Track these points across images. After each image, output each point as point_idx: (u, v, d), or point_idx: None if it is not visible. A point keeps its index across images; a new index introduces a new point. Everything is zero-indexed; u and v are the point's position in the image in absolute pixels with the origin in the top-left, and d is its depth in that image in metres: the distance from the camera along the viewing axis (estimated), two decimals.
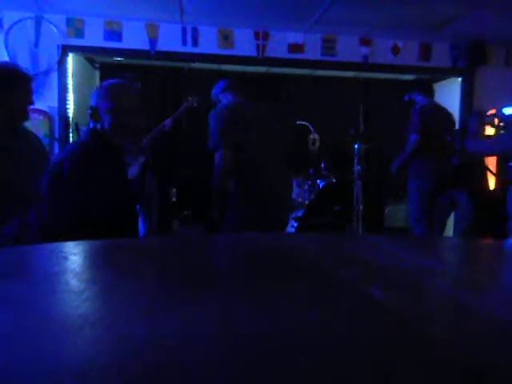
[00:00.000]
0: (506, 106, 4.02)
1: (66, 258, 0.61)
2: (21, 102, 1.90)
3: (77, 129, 4.02)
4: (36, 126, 3.71)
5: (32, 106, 2.02)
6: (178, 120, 3.79)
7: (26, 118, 1.97)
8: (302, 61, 4.42)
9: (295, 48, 4.38)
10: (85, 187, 1.47)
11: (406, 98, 3.42)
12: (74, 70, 4.23)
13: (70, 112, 4.17)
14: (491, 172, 3.82)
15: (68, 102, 4.14)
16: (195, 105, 3.69)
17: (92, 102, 1.63)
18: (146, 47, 4.13)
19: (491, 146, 2.41)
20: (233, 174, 2.29)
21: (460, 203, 3.48)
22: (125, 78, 3.39)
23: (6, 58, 3.85)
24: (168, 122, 3.51)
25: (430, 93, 3.46)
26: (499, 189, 3.57)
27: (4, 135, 1.86)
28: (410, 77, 5.17)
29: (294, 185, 3.85)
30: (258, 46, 4.31)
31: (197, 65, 4.91)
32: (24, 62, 3.74)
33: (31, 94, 1.94)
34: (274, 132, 2.53)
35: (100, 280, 0.52)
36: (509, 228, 2.73)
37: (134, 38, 4.10)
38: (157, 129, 3.45)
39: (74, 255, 0.63)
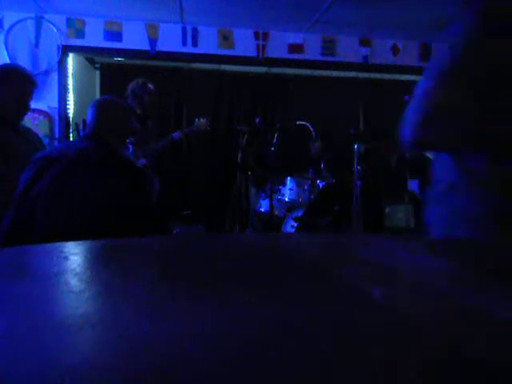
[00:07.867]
0: None
1: (65, 258, 0.61)
2: (14, 98, 1.92)
3: (77, 129, 4.02)
4: (36, 126, 3.71)
5: (32, 106, 2.03)
6: (188, 136, 3.79)
7: (24, 112, 1.99)
8: (302, 61, 4.43)
9: (295, 48, 4.38)
10: None
11: (406, 98, 3.41)
12: (74, 70, 4.23)
13: (70, 112, 4.17)
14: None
15: (68, 102, 4.14)
16: (208, 128, 3.67)
17: None
18: (146, 47, 4.13)
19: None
20: None
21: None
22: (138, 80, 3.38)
23: (6, 58, 3.85)
24: (176, 135, 3.53)
25: None
26: None
27: (3, 132, 1.87)
28: (409, 77, 5.18)
29: (294, 185, 3.85)
30: (258, 46, 4.31)
31: (197, 65, 4.92)
32: (24, 62, 3.74)
33: (25, 91, 1.96)
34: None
35: (100, 280, 0.52)
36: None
37: (134, 39, 4.10)
38: (165, 139, 3.46)
39: (74, 255, 0.63)
